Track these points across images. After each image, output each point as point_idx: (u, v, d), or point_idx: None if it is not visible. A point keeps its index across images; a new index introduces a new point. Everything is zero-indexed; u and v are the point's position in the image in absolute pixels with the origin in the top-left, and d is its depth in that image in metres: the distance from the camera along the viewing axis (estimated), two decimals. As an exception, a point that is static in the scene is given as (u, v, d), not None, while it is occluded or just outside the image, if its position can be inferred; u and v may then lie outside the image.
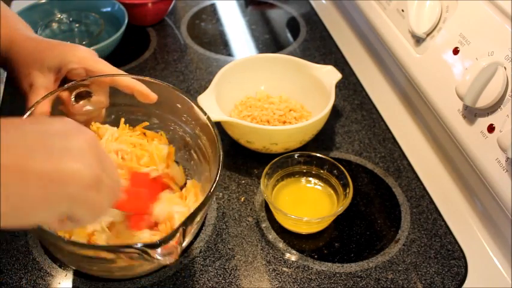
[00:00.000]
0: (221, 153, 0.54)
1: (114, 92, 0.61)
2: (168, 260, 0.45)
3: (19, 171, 0.34)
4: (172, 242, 0.45)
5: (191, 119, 0.61)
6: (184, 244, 0.55)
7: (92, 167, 0.38)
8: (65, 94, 0.58)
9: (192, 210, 0.49)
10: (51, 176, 0.35)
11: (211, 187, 0.51)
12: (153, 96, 0.59)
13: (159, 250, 0.44)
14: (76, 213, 0.39)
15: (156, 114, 0.64)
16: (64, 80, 0.60)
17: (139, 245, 0.44)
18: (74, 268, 0.59)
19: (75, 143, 0.38)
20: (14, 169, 0.34)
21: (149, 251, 0.44)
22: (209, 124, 0.57)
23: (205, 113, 0.58)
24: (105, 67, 0.60)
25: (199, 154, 0.61)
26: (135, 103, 0.61)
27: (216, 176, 0.52)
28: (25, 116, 0.54)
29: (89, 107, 0.60)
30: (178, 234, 0.45)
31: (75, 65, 0.59)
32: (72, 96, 0.58)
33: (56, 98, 0.57)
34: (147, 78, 0.60)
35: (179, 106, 0.61)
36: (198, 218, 0.50)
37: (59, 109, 0.59)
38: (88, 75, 0.59)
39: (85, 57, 0.59)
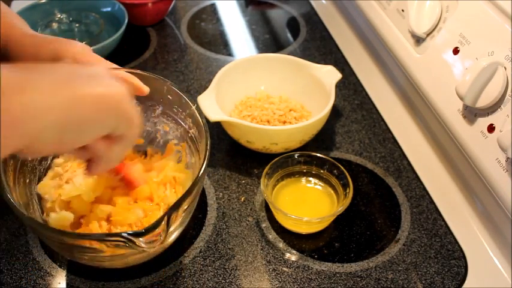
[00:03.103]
0: (209, 139, 0.55)
1: None
2: (152, 248, 0.46)
3: (72, 99, 0.38)
4: (157, 230, 0.46)
5: (181, 110, 0.62)
6: (175, 235, 0.55)
7: (125, 88, 0.43)
8: None
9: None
10: (101, 96, 0.40)
11: (198, 174, 0.52)
12: (145, 89, 0.60)
13: (143, 238, 0.45)
14: (120, 129, 0.43)
15: (149, 106, 0.64)
16: None
17: (124, 234, 0.45)
18: (69, 259, 0.59)
19: (100, 71, 0.42)
20: (68, 98, 0.37)
21: (134, 239, 0.45)
22: (196, 113, 0.58)
23: (193, 103, 0.59)
24: (98, 62, 0.60)
25: (191, 146, 0.62)
26: None
27: (203, 162, 0.53)
28: None
29: None
30: (163, 223, 0.46)
31: (68, 61, 0.58)
32: None
33: None
34: (138, 71, 0.60)
35: (170, 98, 0.62)
36: (184, 206, 0.50)
37: None
38: None
39: (78, 53, 0.59)
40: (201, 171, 0.52)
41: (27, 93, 0.35)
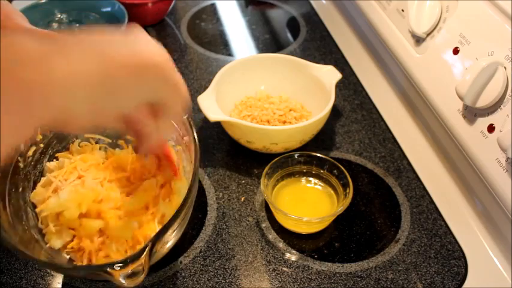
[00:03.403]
0: (198, 157, 0.52)
1: None
2: (132, 283, 0.42)
3: (103, 65, 0.36)
4: (138, 262, 0.42)
5: None
6: (170, 244, 0.54)
7: (167, 53, 0.40)
8: None
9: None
10: (138, 60, 0.37)
11: (185, 200, 0.48)
12: None
13: (122, 271, 0.42)
14: (164, 96, 0.41)
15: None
16: None
17: (102, 265, 0.42)
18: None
19: (141, 35, 0.39)
20: (98, 64, 0.35)
21: (111, 271, 0.42)
22: (187, 122, 0.55)
23: (184, 114, 0.56)
24: None
25: (186, 153, 0.60)
26: None
27: (189, 193, 0.49)
28: None
29: None
30: (144, 254, 0.43)
31: None
32: None
33: None
34: None
35: None
36: (169, 232, 0.47)
37: None
38: None
39: None
40: (189, 199, 0.49)
41: (51, 62, 0.33)
